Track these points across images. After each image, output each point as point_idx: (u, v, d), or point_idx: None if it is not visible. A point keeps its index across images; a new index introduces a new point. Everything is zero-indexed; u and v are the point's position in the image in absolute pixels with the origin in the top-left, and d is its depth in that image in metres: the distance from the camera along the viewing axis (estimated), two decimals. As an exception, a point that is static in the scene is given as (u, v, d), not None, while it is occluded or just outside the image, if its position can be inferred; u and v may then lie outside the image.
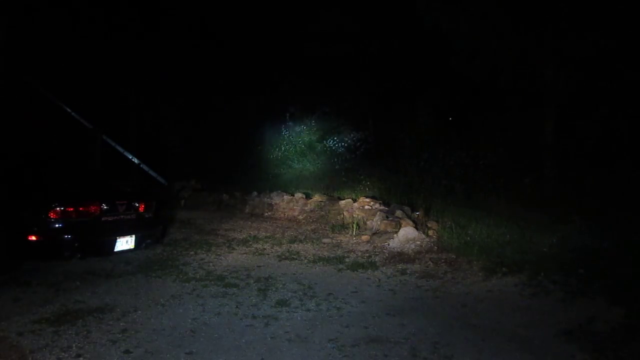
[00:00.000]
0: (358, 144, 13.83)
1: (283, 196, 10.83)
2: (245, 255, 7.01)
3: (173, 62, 14.62)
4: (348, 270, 6.21)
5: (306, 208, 10.25)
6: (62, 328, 3.96)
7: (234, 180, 12.87)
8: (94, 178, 7.87)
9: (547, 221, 7.58)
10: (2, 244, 5.37)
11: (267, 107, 15.31)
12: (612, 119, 9.60)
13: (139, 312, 4.44)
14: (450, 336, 4.04)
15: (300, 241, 7.97)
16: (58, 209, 5.50)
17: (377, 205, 9.11)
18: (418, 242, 7.23)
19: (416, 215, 8.49)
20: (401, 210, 8.59)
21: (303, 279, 5.75)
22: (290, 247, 7.56)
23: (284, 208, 10.66)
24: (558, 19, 9.32)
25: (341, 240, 8.01)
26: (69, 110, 12.81)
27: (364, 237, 7.87)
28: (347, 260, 6.71)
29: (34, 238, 5.39)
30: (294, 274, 6.03)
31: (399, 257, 6.79)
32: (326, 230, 8.88)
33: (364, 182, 11.28)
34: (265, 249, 7.43)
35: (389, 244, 7.39)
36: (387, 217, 8.31)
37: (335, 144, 14.08)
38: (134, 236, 6.23)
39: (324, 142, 14.32)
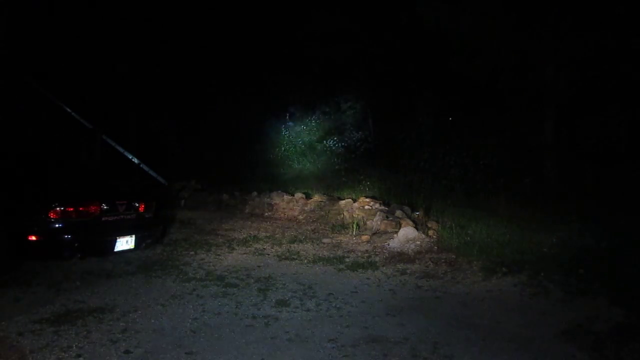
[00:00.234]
0: (358, 144, 13.84)
1: (283, 196, 10.83)
2: (245, 255, 7.01)
3: (173, 62, 14.62)
4: (348, 270, 6.21)
5: (306, 208, 10.25)
6: (62, 328, 3.96)
7: (234, 180, 12.87)
8: (94, 178, 7.87)
9: (547, 221, 7.58)
10: (2, 244, 5.37)
11: (267, 107, 15.32)
12: (612, 119, 9.60)
13: (139, 312, 4.43)
14: (450, 336, 4.04)
15: (300, 241, 7.97)
16: (58, 209, 5.50)
17: (377, 205, 9.11)
18: (418, 242, 7.23)
19: (416, 215, 8.49)
20: (401, 210, 8.59)
21: (303, 279, 5.75)
22: (290, 247, 7.56)
23: (284, 208, 10.66)
24: (558, 19, 9.32)
25: (341, 240, 8.01)
26: (69, 110, 12.79)
27: (364, 237, 7.87)
28: (347, 260, 6.71)
29: (34, 238, 5.39)
30: (294, 274, 6.02)
31: (399, 257, 6.79)
32: (326, 230, 8.88)
33: (364, 182, 11.28)
34: (265, 249, 7.43)
35: (389, 244, 7.39)
36: (387, 217, 8.31)
37: (335, 144, 14.08)
38: (134, 236, 6.22)
39: (324, 142, 14.32)
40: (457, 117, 12.64)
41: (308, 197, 10.68)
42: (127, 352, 3.59)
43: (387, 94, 13.83)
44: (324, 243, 7.86)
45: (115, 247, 5.99)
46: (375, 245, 7.51)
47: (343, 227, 8.76)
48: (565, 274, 5.37)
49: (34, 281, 5.21)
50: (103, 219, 5.87)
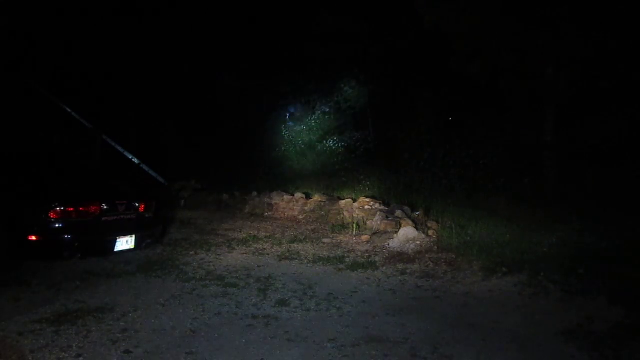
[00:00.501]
0: (358, 144, 13.83)
1: (283, 196, 10.84)
2: (245, 255, 7.01)
3: (172, 62, 14.62)
4: (348, 270, 6.21)
5: (306, 208, 10.26)
6: (62, 328, 3.96)
7: (234, 180, 12.87)
8: (94, 178, 7.87)
9: (547, 221, 7.58)
10: (2, 244, 5.37)
11: (267, 107, 15.32)
12: (612, 119, 9.59)
13: (139, 312, 4.43)
14: (450, 336, 4.04)
15: (300, 241, 7.97)
16: (58, 209, 5.50)
17: (377, 205, 9.11)
18: (418, 242, 7.23)
19: (416, 215, 8.50)
20: (401, 210, 8.60)
21: (303, 279, 5.75)
22: (290, 247, 7.56)
23: (284, 208, 10.67)
24: (558, 19, 9.31)
25: (341, 240, 8.01)
26: (69, 110, 12.80)
27: (364, 237, 7.87)
28: (347, 260, 6.71)
29: (34, 238, 5.40)
30: (294, 274, 6.03)
31: (399, 257, 6.79)
32: (326, 230, 8.89)
33: (364, 182, 11.28)
34: (265, 249, 7.43)
35: (389, 244, 7.39)
36: (387, 217, 8.31)
37: (335, 144, 14.08)
38: (134, 236, 6.23)
39: (324, 142, 14.32)
40: (457, 117, 12.64)
41: (308, 197, 10.68)
42: (127, 352, 3.59)
43: (387, 94, 13.82)
44: (324, 243, 7.86)
45: (116, 247, 6.00)
46: (375, 245, 7.52)
47: (343, 227, 8.76)
48: (565, 274, 5.36)
49: (34, 281, 5.21)
50: (103, 219, 5.88)
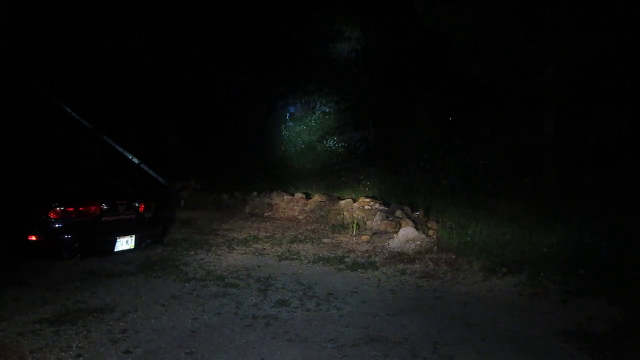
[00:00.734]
0: (358, 144, 13.83)
1: (283, 196, 10.84)
2: (245, 255, 7.01)
3: (172, 62, 14.62)
4: (348, 270, 6.21)
5: (306, 208, 10.26)
6: (62, 328, 3.96)
7: (234, 180, 12.88)
8: (94, 178, 7.88)
9: (547, 221, 7.57)
10: (2, 244, 5.37)
11: (267, 107, 15.32)
12: (613, 119, 9.58)
13: (139, 312, 4.43)
14: (450, 336, 4.04)
15: (300, 241, 7.97)
16: (58, 209, 5.50)
17: (377, 205, 9.11)
18: (418, 242, 7.23)
19: (416, 215, 8.49)
20: (401, 210, 8.59)
21: (303, 279, 5.75)
22: (290, 247, 7.56)
23: (284, 208, 10.67)
24: (558, 19, 9.31)
25: (341, 240, 8.01)
26: (69, 110, 12.81)
27: (364, 237, 7.87)
28: (347, 260, 6.71)
29: (34, 238, 5.40)
30: (294, 274, 6.03)
31: (399, 257, 6.79)
32: (326, 230, 8.89)
33: (364, 182, 11.28)
34: (265, 249, 7.43)
35: (389, 244, 7.39)
36: (387, 217, 8.31)
37: (335, 144, 14.08)
38: (134, 236, 6.23)
39: (324, 142, 14.32)
40: (457, 117, 12.63)
41: (308, 197, 10.68)
42: (127, 352, 3.59)
43: (387, 94, 13.82)
44: (324, 243, 7.86)
45: (115, 247, 6.00)
46: (375, 245, 7.52)
47: (343, 227, 8.76)
48: (565, 274, 5.37)
49: (34, 281, 5.21)
50: (103, 219, 5.88)
